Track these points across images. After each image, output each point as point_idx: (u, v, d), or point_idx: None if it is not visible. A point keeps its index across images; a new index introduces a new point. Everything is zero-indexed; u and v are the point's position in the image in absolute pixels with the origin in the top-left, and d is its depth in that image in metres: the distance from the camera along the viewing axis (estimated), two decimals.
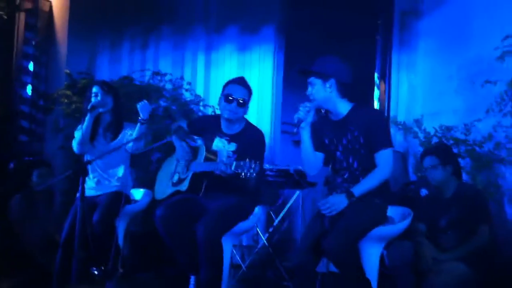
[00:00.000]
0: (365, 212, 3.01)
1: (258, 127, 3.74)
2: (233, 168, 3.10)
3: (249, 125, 3.67)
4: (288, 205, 4.86)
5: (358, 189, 3.05)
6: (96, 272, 3.88)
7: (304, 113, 3.07)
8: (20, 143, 5.91)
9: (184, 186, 3.44)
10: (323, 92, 3.11)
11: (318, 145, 3.25)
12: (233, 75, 6.34)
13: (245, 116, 3.67)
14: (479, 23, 4.87)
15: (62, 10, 6.28)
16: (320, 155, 3.28)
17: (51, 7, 6.27)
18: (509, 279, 3.62)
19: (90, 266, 4.03)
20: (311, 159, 3.24)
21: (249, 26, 6.44)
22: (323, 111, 3.23)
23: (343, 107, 3.16)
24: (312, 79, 3.13)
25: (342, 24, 6.27)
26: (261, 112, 6.29)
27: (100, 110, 3.93)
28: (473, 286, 3.34)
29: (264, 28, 6.45)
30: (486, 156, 4.42)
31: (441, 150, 3.74)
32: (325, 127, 3.25)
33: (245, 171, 3.05)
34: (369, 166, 3.09)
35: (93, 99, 3.92)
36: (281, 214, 4.87)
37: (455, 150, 4.45)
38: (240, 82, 3.62)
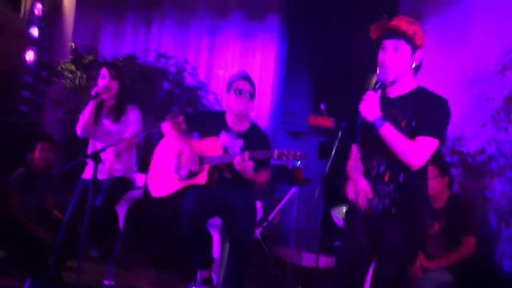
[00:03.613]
0: None
1: (259, 120, 3.85)
2: (275, 156, 3.20)
3: (254, 125, 3.76)
4: (284, 200, 4.97)
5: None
6: (96, 253, 4.02)
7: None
8: (20, 112, 5.95)
9: (202, 179, 3.47)
10: (407, 63, 2.58)
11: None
12: (236, 61, 6.51)
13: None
14: (478, 33, 4.97)
15: None
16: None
17: None
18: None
19: (90, 246, 4.18)
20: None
21: (254, 13, 6.48)
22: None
23: (409, 85, 2.63)
24: (401, 44, 2.55)
25: (345, 19, 6.38)
26: (260, 101, 6.38)
27: (104, 96, 4.00)
28: None
29: (268, 16, 6.50)
30: (477, 167, 4.57)
31: (440, 161, 3.87)
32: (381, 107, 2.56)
33: (290, 159, 3.14)
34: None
35: (99, 82, 4.00)
36: (276, 209, 4.99)
37: (448, 159, 4.62)
38: (247, 78, 3.69)
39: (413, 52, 2.57)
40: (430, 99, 2.56)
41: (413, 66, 2.59)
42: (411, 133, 2.53)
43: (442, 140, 2.57)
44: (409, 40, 2.54)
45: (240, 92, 3.59)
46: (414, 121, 2.52)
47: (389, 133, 2.47)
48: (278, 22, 6.49)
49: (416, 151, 2.47)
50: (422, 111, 2.51)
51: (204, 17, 6.65)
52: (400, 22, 2.56)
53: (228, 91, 3.68)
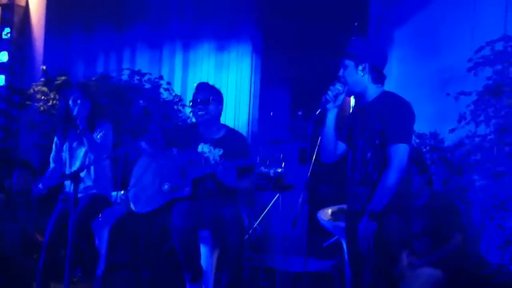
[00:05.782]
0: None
1: (238, 130, 3.85)
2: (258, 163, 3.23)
3: (231, 130, 3.76)
4: (268, 207, 4.96)
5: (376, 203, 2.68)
6: (79, 274, 3.94)
7: (333, 95, 2.83)
8: None
9: (186, 192, 3.44)
10: (355, 75, 2.83)
11: (344, 134, 2.98)
12: (211, 74, 6.50)
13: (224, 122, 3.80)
14: (450, 32, 5.05)
15: (39, 5, 6.21)
16: (341, 146, 2.99)
17: (27, 2, 6.20)
18: (476, 280, 3.85)
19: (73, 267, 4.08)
20: (330, 146, 2.93)
21: (226, 26, 6.50)
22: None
23: (374, 93, 2.87)
24: (345, 61, 2.86)
25: (318, 28, 6.45)
26: (238, 112, 6.39)
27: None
28: None
29: (242, 28, 6.52)
30: (457, 163, 4.60)
31: (419, 158, 3.87)
32: (356, 115, 2.95)
33: (271, 164, 3.19)
34: (382, 160, 2.74)
35: (71, 103, 3.93)
36: (261, 217, 4.98)
37: (427, 156, 4.64)
38: (204, 86, 3.74)
39: (356, 65, 2.82)
40: (393, 105, 2.78)
41: (362, 75, 2.81)
42: (380, 140, 2.75)
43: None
44: (351, 56, 2.83)
45: (194, 101, 3.61)
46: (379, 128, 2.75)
47: None
48: (251, 34, 6.51)
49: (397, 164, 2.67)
50: (386, 119, 2.73)
51: (176, 35, 6.63)
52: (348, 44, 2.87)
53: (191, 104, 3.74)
